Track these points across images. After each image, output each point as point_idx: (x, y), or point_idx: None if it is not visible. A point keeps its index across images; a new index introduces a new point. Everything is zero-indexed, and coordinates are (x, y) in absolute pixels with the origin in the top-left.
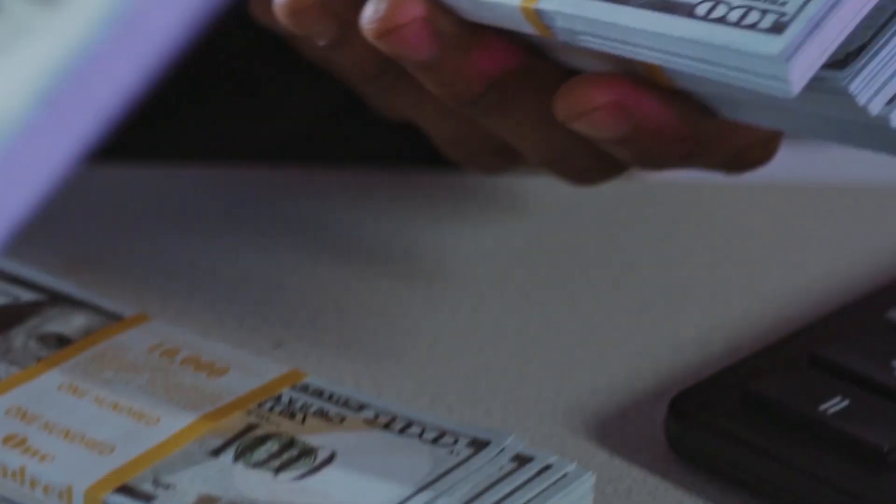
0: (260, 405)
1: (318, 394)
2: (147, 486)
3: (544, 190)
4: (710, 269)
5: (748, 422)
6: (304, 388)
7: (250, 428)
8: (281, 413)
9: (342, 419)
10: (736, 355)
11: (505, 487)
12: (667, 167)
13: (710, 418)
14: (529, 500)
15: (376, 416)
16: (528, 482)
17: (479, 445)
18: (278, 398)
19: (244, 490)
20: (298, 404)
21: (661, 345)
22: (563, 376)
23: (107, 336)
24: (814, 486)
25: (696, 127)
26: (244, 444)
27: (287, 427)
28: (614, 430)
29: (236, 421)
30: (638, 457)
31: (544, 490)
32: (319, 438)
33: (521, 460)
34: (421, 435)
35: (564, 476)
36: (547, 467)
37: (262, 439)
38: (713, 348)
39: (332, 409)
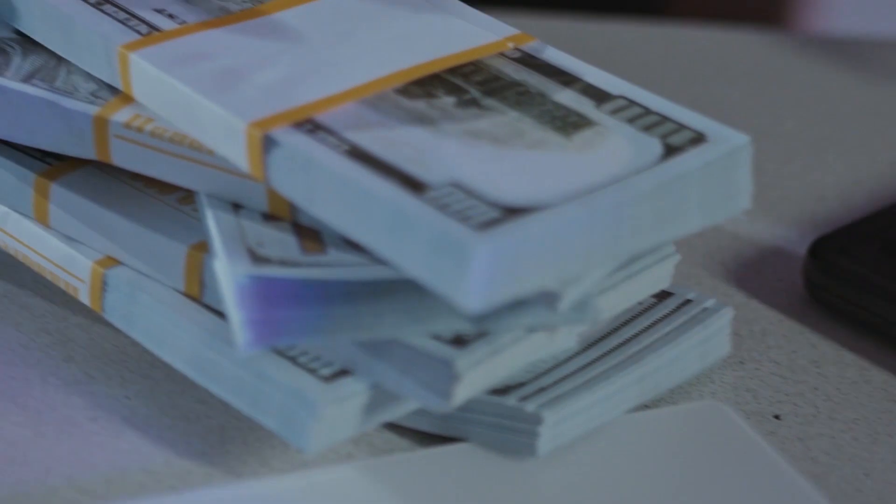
0: None
1: None
2: None
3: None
4: (855, 121)
5: (887, 270)
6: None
7: None
8: None
9: None
10: (879, 205)
11: (645, 321)
12: None
13: (849, 264)
14: (669, 332)
15: None
16: (669, 315)
17: None
18: None
19: None
20: None
21: (803, 194)
22: None
23: None
24: None
25: None
26: None
27: None
28: (753, 275)
29: None
30: (774, 300)
31: (684, 323)
32: None
33: (662, 295)
34: None
35: (704, 310)
36: (686, 302)
37: None
38: (856, 199)
39: None
